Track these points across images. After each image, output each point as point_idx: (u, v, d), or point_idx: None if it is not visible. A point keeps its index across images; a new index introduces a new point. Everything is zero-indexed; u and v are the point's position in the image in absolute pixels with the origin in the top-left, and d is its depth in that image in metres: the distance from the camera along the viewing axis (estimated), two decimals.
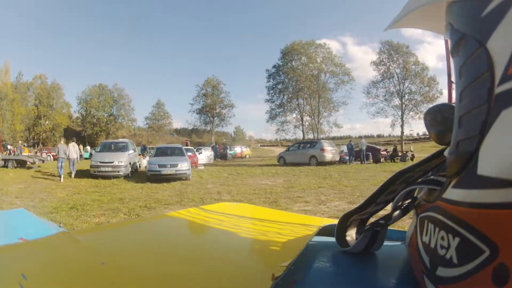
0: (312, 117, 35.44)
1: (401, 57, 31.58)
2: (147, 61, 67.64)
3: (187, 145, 21.67)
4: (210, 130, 42.58)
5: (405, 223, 2.88)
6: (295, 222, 1.02)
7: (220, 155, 24.81)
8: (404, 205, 0.57)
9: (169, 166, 10.06)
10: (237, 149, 29.63)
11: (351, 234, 0.68)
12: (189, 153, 14.17)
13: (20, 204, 6.02)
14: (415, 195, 0.57)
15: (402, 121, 31.53)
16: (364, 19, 66.73)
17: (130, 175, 11.50)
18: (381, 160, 17.47)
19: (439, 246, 0.39)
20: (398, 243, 0.76)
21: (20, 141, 20.91)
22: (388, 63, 32.28)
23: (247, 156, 29.01)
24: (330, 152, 16.50)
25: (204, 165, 17.06)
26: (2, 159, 14.49)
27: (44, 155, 21.99)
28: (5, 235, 1.30)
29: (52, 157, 23.37)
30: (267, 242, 0.77)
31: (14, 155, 17.16)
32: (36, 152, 23.12)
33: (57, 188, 8.49)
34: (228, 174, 12.16)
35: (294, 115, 36.29)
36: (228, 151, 26.37)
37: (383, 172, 11.21)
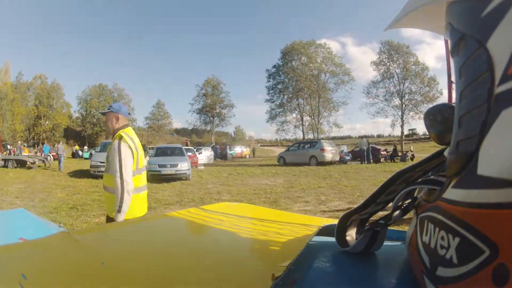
0: (312, 117, 35.46)
1: (401, 57, 31.59)
2: (147, 61, 67.73)
3: (187, 145, 21.67)
4: (210, 130, 42.60)
5: (405, 223, 2.88)
6: (295, 222, 1.02)
7: (220, 155, 24.81)
8: (404, 205, 0.57)
9: (169, 166, 10.06)
10: (237, 149, 29.64)
11: (351, 234, 0.68)
12: (189, 153, 14.18)
13: (20, 204, 6.02)
14: (415, 195, 0.57)
15: (402, 121, 31.55)
16: (363, 19, 66.75)
17: None
18: (381, 160, 17.47)
19: (439, 246, 0.39)
20: (398, 243, 0.76)
21: (19, 141, 20.93)
22: (388, 63, 32.30)
23: (247, 156, 29.01)
24: (330, 152, 16.51)
25: (204, 165, 17.07)
26: (2, 159, 14.49)
27: (44, 155, 21.98)
28: (5, 235, 1.30)
29: (52, 157, 23.36)
30: (267, 242, 0.77)
31: (14, 155, 17.17)
32: (36, 152, 23.10)
33: (57, 188, 8.49)
34: (228, 174, 12.16)
35: (294, 115, 36.36)
36: (228, 151, 26.38)
37: (383, 172, 11.21)
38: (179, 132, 51.79)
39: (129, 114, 2.32)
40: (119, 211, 1.93)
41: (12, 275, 0.47)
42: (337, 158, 17.12)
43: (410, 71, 31.28)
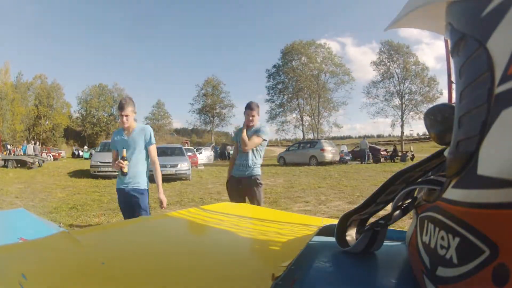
0: (312, 117, 35.46)
1: (401, 57, 31.61)
2: (147, 61, 67.72)
3: (187, 145, 21.66)
4: (210, 130, 42.62)
5: (405, 223, 2.88)
6: (295, 222, 1.02)
7: (220, 155, 24.81)
8: (404, 205, 0.57)
9: (169, 166, 10.06)
10: None
11: (351, 234, 0.68)
12: (189, 153, 14.18)
13: (20, 204, 6.02)
14: (415, 195, 0.57)
15: (402, 121, 31.57)
16: (363, 20, 66.72)
17: None
18: (381, 160, 17.48)
19: (439, 246, 0.39)
20: (398, 243, 0.76)
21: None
22: (388, 63, 32.32)
23: None
24: (330, 152, 16.51)
25: (204, 165, 17.06)
26: (2, 159, 14.50)
27: (44, 155, 22.01)
28: (5, 235, 1.30)
29: (52, 157, 23.38)
30: (267, 242, 0.77)
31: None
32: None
33: (57, 188, 8.49)
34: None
35: (294, 115, 36.37)
36: (229, 151, 26.35)
37: (383, 172, 11.21)
38: (179, 132, 51.82)
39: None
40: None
41: (12, 275, 0.47)
42: (337, 158, 17.12)
43: (410, 71, 31.30)
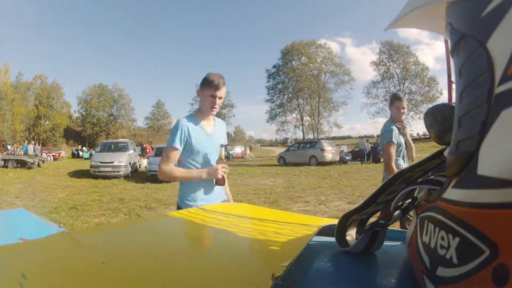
0: (312, 117, 35.47)
1: (401, 57, 31.63)
2: (147, 61, 67.70)
3: None
4: None
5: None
6: (295, 222, 1.02)
7: None
8: (404, 205, 0.57)
9: None
10: (237, 149, 29.66)
11: (351, 234, 0.68)
12: None
13: (20, 204, 6.02)
14: (415, 195, 0.57)
15: None
16: (362, 20, 66.69)
17: (130, 175, 11.51)
18: (381, 160, 17.47)
19: (439, 246, 0.39)
20: (398, 243, 0.76)
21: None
22: (388, 63, 32.34)
23: (247, 156, 29.03)
24: (330, 152, 16.51)
25: None
26: (2, 159, 14.50)
27: (44, 155, 22.02)
28: (5, 235, 1.30)
29: (52, 157, 23.39)
30: (267, 242, 0.77)
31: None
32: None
33: (57, 188, 8.49)
34: (228, 174, 12.15)
35: (294, 115, 36.39)
36: (229, 151, 26.37)
37: (383, 172, 11.20)
38: None
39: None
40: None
41: (12, 275, 0.47)
42: (337, 158, 17.12)
43: (410, 71, 31.32)
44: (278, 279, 0.45)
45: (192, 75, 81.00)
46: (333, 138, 33.64)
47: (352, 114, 79.41)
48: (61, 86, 39.89)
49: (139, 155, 15.52)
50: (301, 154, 17.13)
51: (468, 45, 0.36)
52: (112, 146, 13.06)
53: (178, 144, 1.67)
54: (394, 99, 2.57)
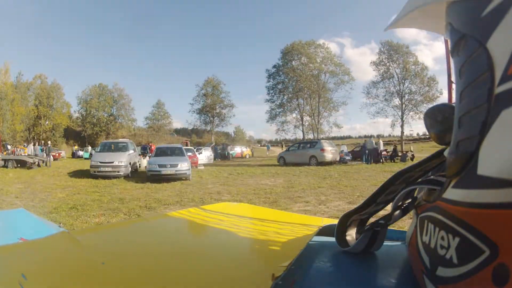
0: (312, 117, 35.47)
1: (401, 57, 31.62)
2: (147, 61, 67.73)
3: (187, 145, 21.67)
4: (210, 130, 42.59)
5: (405, 223, 2.87)
6: (295, 222, 1.02)
7: (220, 155, 24.82)
8: (404, 205, 0.57)
9: (169, 166, 10.06)
10: (237, 149, 29.68)
11: (351, 234, 0.68)
12: (189, 153, 14.17)
13: (20, 204, 6.02)
14: (415, 195, 0.57)
15: (402, 121, 31.56)
16: (361, 21, 66.72)
17: (130, 175, 11.51)
18: (381, 160, 17.47)
19: (439, 246, 0.39)
20: (398, 243, 0.76)
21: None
22: (388, 63, 32.32)
23: (247, 156, 29.04)
24: (330, 152, 16.50)
25: (204, 165, 17.06)
26: (2, 159, 14.51)
27: (44, 155, 22.00)
28: (5, 235, 1.30)
29: (52, 157, 23.35)
30: (267, 242, 0.77)
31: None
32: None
33: (57, 188, 8.49)
34: (228, 174, 12.16)
35: (294, 115, 36.37)
36: (229, 151, 26.37)
37: (383, 172, 11.21)
38: (179, 132, 51.81)
39: None
40: None
41: (12, 275, 0.47)
42: (337, 158, 17.11)
43: (409, 71, 31.31)
44: (278, 279, 0.45)
45: (192, 75, 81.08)
46: (333, 138, 33.62)
47: (352, 114, 79.33)
48: (61, 86, 39.91)
49: (139, 155, 15.52)
50: (301, 154, 17.12)
51: (468, 45, 0.36)
52: (112, 146, 13.06)
53: None
54: None
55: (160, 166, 10.05)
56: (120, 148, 12.77)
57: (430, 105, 0.60)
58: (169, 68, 68.57)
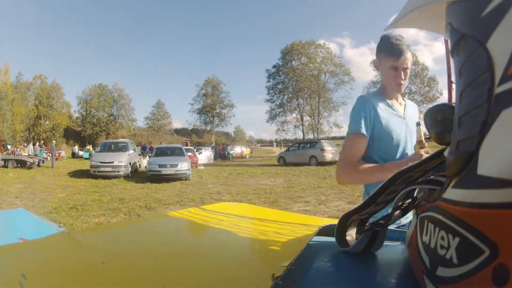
0: (312, 117, 35.47)
1: None
2: (147, 61, 67.72)
3: (187, 145, 21.67)
4: (210, 130, 42.60)
5: None
6: (295, 222, 1.02)
7: (220, 156, 24.82)
8: (404, 205, 0.57)
9: (169, 166, 10.07)
10: (237, 149, 29.69)
11: (351, 234, 0.68)
12: (189, 153, 14.18)
13: (20, 204, 6.02)
14: (415, 195, 0.57)
15: None
16: (360, 21, 66.74)
17: (130, 175, 11.51)
18: None
19: (439, 246, 0.39)
20: (398, 243, 0.76)
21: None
22: None
23: (247, 156, 29.06)
24: (330, 152, 16.50)
25: (204, 165, 17.07)
26: (2, 159, 14.51)
27: (44, 155, 22.00)
28: (5, 235, 1.30)
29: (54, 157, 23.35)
30: (267, 242, 0.77)
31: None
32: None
33: (57, 188, 8.49)
34: (228, 174, 12.16)
35: (294, 115, 36.38)
36: (229, 151, 26.36)
37: None
38: (179, 132, 51.80)
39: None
40: None
41: (12, 275, 0.47)
42: (337, 158, 17.11)
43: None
44: (278, 279, 0.45)
45: (192, 75, 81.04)
46: (333, 138, 33.57)
47: None
48: (61, 86, 39.88)
49: (139, 154, 15.52)
50: (301, 154, 17.12)
51: (468, 45, 0.36)
52: (112, 146, 13.07)
53: (364, 129, 1.20)
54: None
55: (160, 166, 10.06)
56: (120, 148, 12.78)
57: (430, 105, 0.60)
58: (169, 68, 68.60)
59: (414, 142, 1.24)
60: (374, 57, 1.32)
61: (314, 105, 35.24)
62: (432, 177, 0.50)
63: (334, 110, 35.44)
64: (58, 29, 58.71)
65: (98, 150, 12.98)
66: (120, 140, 16.91)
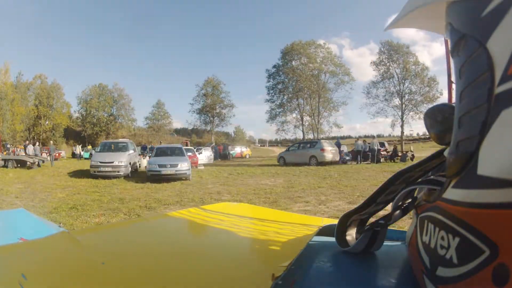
0: (312, 117, 35.46)
1: (401, 57, 31.62)
2: (147, 61, 67.67)
3: (187, 145, 21.67)
4: (210, 130, 42.58)
5: (405, 223, 2.87)
6: (295, 222, 1.02)
7: (220, 155, 24.82)
8: (404, 205, 0.57)
9: (169, 166, 10.06)
10: (237, 149, 29.70)
11: (351, 234, 0.68)
12: (189, 153, 14.17)
13: (20, 204, 6.02)
14: (415, 195, 0.57)
15: (402, 121, 31.57)
16: (360, 21, 66.70)
17: (130, 175, 11.51)
18: (381, 160, 17.48)
19: (439, 246, 0.39)
20: (398, 243, 0.76)
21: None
22: (388, 63, 32.32)
23: (247, 156, 29.06)
24: (330, 152, 16.50)
25: (204, 165, 17.07)
26: (2, 159, 14.51)
27: (44, 155, 22.01)
28: (5, 235, 1.30)
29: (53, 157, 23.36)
30: (267, 242, 0.77)
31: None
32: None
33: (57, 188, 8.49)
34: (228, 174, 12.16)
35: (294, 115, 36.37)
36: (229, 151, 26.36)
37: (383, 172, 11.21)
38: (179, 132, 51.78)
39: None
40: None
41: (12, 275, 0.47)
42: (337, 158, 17.11)
43: (410, 71, 31.30)
44: (278, 279, 0.45)
45: (192, 75, 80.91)
46: (333, 138, 33.58)
47: (352, 114, 79.14)
48: (61, 86, 39.87)
49: (139, 154, 15.53)
50: (301, 154, 17.12)
51: (468, 45, 0.36)
52: (112, 146, 13.07)
53: None
54: None
55: (160, 166, 10.05)
56: (120, 148, 12.78)
57: (430, 105, 0.60)
58: (169, 68, 68.49)
59: None
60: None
61: (314, 105, 35.23)
62: (432, 177, 0.50)
63: (334, 110, 35.43)
64: (58, 29, 58.64)
65: (98, 150, 12.97)
66: (120, 140, 16.91)
